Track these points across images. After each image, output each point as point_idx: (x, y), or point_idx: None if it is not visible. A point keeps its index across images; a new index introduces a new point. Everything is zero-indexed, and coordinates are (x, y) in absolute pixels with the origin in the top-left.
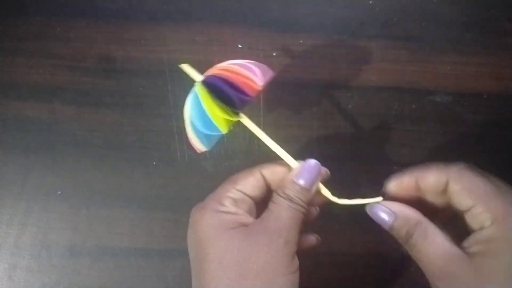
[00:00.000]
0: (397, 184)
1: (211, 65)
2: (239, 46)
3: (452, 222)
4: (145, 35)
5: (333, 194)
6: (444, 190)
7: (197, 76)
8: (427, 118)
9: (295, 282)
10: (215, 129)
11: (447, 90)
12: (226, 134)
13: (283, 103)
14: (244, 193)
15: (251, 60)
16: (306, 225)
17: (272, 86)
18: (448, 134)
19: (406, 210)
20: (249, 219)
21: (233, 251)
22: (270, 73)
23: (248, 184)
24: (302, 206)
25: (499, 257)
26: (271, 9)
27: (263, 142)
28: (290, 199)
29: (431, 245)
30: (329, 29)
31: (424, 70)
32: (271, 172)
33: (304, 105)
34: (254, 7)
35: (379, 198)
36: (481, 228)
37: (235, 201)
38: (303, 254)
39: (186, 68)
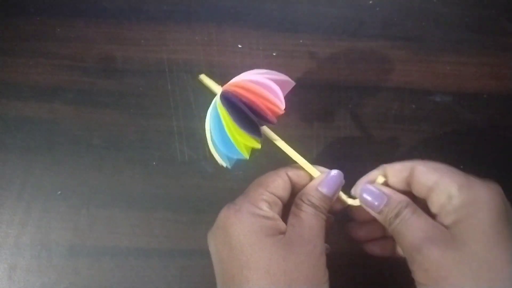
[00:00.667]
0: (365, 180)
1: (211, 65)
2: (239, 46)
3: None
4: (145, 35)
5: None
6: (407, 180)
7: (216, 87)
8: (427, 118)
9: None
10: (236, 152)
11: (447, 90)
12: (247, 159)
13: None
14: (276, 196)
15: (252, 60)
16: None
17: None
18: (448, 134)
19: (397, 194)
20: (283, 224)
21: (279, 260)
22: (291, 85)
23: (279, 186)
24: (324, 214)
25: (471, 220)
26: (271, 9)
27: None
28: (315, 206)
29: (417, 219)
30: (329, 29)
31: (424, 70)
32: (296, 175)
33: (304, 105)
34: (254, 7)
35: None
36: (450, 198)
37: (270, 204)
38: None
39: (204, 79)
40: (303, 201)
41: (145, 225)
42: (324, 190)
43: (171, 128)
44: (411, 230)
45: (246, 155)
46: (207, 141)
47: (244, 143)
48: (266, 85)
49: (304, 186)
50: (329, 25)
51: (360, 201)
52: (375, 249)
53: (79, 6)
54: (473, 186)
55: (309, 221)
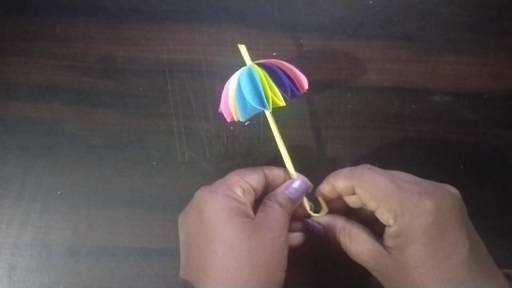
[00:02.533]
0: (320, 193)
1: (211, 65)
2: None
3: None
4: (145, 35)
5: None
6: (354, 193)
7: (249, 60)
8: (427, 118)
9: (284, 280)
10: (262, 103)
11: (447, 90)
12: (266, 112)
13: None
14: (251, 186)
15: (252, 60)
16: (297, 248)
17: None
18: (448, 134)
19: (332, 220)
20: (251, 212)
21: (244, 239)
22: (306, 84)
23: (255, 178)
24: (288, 214)
25: (408, 249)
26: (271, 9)
27: (263, 143)
28: (281, 205)
29: (358, 246)
30: (329, 29)
31: (424, 70)
32: (272, 173)
33: (304, 105)
34: (254, 7)
35: (326, 210)
36: (389, 226)
37: (244, 191)
38: (294, 251)
39: (243, 49)
40: (271, 200)
41: (145, 225)
42: (289, 193)
43: (171, 128)
44: (358, 257)
45: (269, 107)
46: (220, 103)
47: (273, 96)
48: (293, 67)
49: (277, 185)
50: (329, 25)
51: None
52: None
53: (79, 6)
54: (405, 214)
55: (275, 214)
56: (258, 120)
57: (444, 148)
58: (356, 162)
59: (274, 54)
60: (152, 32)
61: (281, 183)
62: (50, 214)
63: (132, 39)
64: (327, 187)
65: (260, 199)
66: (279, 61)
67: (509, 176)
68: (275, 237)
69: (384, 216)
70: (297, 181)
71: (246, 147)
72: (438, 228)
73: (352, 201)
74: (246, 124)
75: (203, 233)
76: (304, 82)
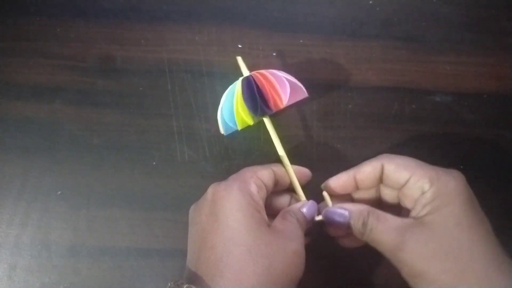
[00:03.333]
0: (335, 183)
1: (211, 65)
2: (239, 46)
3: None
4: (145, 35)
5: None
6: (379, 179)
7: (246, 71)
8: (427, 118)
9: None
10: (233, 122)
11: (447, 90)
12: (239, 130)
13: None
14: (263, 182)
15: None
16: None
17: None
18: (448, 134)
19: (356, 205)
20: (265, 213)
21: (261, 245)
22: (303, 94)
23: (266, 175)
24: (303, 230)
25: (444, 210)
26: (271, 9)
27: (263, 143)
28: (298, 221)
29: (386, 223)
30: (329, 29)
31: (424, 70)
32: (280, 171)
33: (304, 105)
34: (254, 7)
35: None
36: (423, 192)
37: (257, 187)
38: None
39: (240, 61)
40: (290, 215)
41: (145, 225)
42: (304, 211)
43: (171, 128)
44: (385, 234)
45: (238, 126)
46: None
47: (241, 115)
48: (280, 79)
49: (286, 183)
50: (329, 25)
51: (327, 223)
52: (351, 243)
53: (79, 6)
54: (441, 177)
55: (295, 228)
56: (258, 120)
57: (444, 148)
58: (356, 162)
59: (274, 54)
60: (152, 32)
61: (288, 182)
62: (50, 214)
63: (132, 39)
64: (344, 177)
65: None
66: (267, 73)
67: (509, 176)
68: (296, 248)
69: (418, 182)
70: (310, 203)
71: (246, 147)
72: (469, 191)
73: (366, 195)
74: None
75: (217, 230)
76: (283, 98)
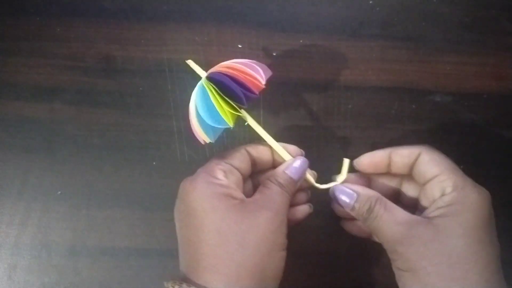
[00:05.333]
0: (370, 157)
1: (211, 65)
2: (239, 46)
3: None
4: (145, 35)
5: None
6: (410, 167)
7: (202, 72)
8: (427, 118)
9: (284, 259)
10: (222, 122)
11: (447, 90)
12: (231, 127)
13: (283, 103)
14: (232, 165)
15: (251, 59)
16: (301, 221)
17: (272, 86)
18: (448, 134)
19: (366, 189)
20: (238, 193)
21: (231, 223)
22: (269, 73)
23: (235, 158)
24: (289, 193)
25: (457, 217)
26: (271, 9)
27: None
28: (281, 186)
29: (392, 213)
30: (329, 29)
31: (424, 70)
32: (255, 150)
33: (304, 105)
34: (254, 7)
35: (344, 177)
36: (443, 195)
37: (225, 173)
38: (299, 224)
39: (192, 64)
40: (271, 181)
41: (145, 225)
42: (289, 173)
43: (171, 128)
44: (389, 225)
45: (230, 123)
46: (190, 124)
47: (228, 110)
48: (247, 64)
49: (265, 161)
50: (329, 25)
51: (334, 199)
52: (353, 228)
53: (79, 6)
54: (466, 187)
55: (273, 195)
56: (258, 121)
57: (444, 148)
58: None
59: (274, 54)
60: (152, 32)
61: (269, 159)
62: (50, 214)
63: (132, 39)
64: (380, 154)
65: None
66: (229, 64)
67: (509, 176)
68: (268, 217)
69: (442, 183)
70: (298, 160)
71: (248, 135)
72: (490, 213)
73: (391, 181)
74: (246, 124)
75: (190, 225)
76: (259, 78)
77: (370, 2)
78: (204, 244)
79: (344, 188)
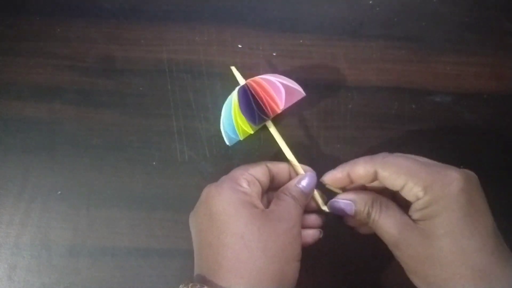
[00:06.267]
0: (330, 178)
1: (211, 65)
2: (239, 46)
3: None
4: (145, 35)
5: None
6: (374, 179)
7: (242, 80)
8: (427, 118)
9: (298, 270)
10: (235, 133)
11: (447, 90)
12: (241, 140)
13: None
14: (255, 177)
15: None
16: (309, 245)
17: None
18: (448, 134)
19: (361, 194)
20: (259, 202)
21: (254, 229)
22: (300, 95)
23: (258, 171)
24: (301, 206)
25: (435, 218)
26: (271, 9)
27: (263, 143)
28: (294, 198)
29: (386, 218)
30: (329, 29)
31: (424, 70)
32: (275, 167)
33: (304, 105)
34: (254, 7)
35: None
36: (416, 199)
37: (249, 183)
38: (308, 248)
39: (234, 70)
40: (284, 193)
41: (145, 225)
42: (301, 186)
43: (171, 128)
44: (384, 229)
45: (240, 136)
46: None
47: (241, 126)
48: (274, 85)
49: (283, 178)
50: (329, 25)
51: (335, 213)
52: (365, 230)
53: (79, 6)
54: (436, 183)
55: (288, 206)
56: (259, 128)
57: (444, 148)
58: None
59: (274, 54)
60: (152, 32)
61: (286, 176)
62: (50, 214)
63: (132, 39)
64: (339, 175)
65: (268, 196)
66: (261, 80)
67: (509, 176)
68: (287, 228)
69: (412, 190)
70: (308, 175)
71: (246, 147)
72: (467, 196)
73: (371, 185)
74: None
75: (212, 228)
76: (278, 103)
77: (370, 2)
78: (227, 248)
79: (339, 200)
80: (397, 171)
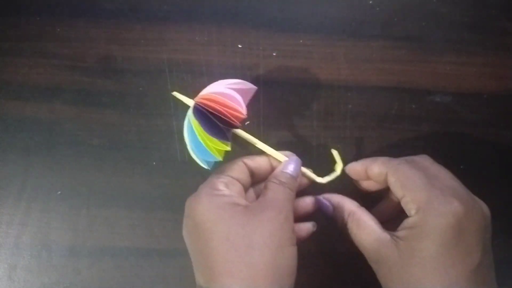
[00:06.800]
0: (350, 169)
1: (211, 65)
2: (239, 46)
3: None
4: (145, 35)
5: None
6: (386, 180)
7: (189, 101)
8: (427, 118)
9: (296, 254)
10: (211, 156)
11: (447, 90)
12: (221, 160)
13: (283, 103)
14: (232, 177)
15: (252, 60)
16: (304, 239)
17: (272, 86)
18: (448, 134)
19: (343, 201)
20: (241, 200)
21: (237, 228)
22: (253, 90)
23: (234, 170)
24: (291, 189)
25: (417, 242)
26: (271, 9)
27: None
28: (282, 183)
29: (363, 233)
30: (329, 29)
31: (424, 70)
32: (252, 161)
33: (304, 105)
34: (254, 7)
35: (341, 165)
36: (409, 216)
37: (226, 184)
38: (303, 241)
39: (177, 95)
40: (272, 181)
41: (145, 225)
42: (287, 170)
43: (171, 128)
44: (360, 243)
45: (219, 157)
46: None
47: (215, 147)
48: (228, 95)
49: (265, 170)
50: (329, 25)
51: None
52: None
53: (79, 6)
54: (430, 209)
55: (274, 195)
56: (258, 121)
57: (444, 148)
58: None
59: (274, 54)
60: (152, 32)
61: (267, 169)
62: (50, 214)
63: (132, 39)
64: (359, 167)
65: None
66: (211, 96)
67: (509, 176)
68: (272, 215)
69: (407, 205)
70: (292, 159)
71: (246, 147)
72: (456, 233)
73: (381, 186)
74: (246, 123)
75: (199, 237)
76: (240, 109)
77: (370, 2)
78: (215, 252)
79: (322, 200)
80: (402, 181)
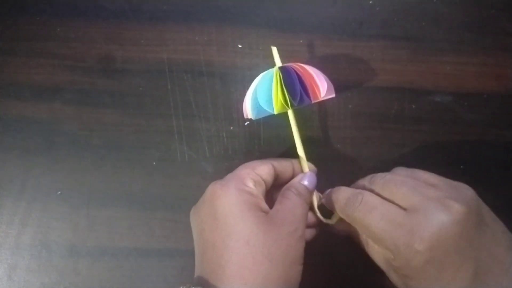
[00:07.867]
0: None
1: (211, 65)
2: (239, 46)
3: None
4: (145, 35)
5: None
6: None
7: (279, 62)
8: (427, 118)
9: (301, 273)
10: (270, 106)
11: (447, 90)
12: (274, 115)
13: None
14: (261, 177)
15: (252, 60)
16: (308, 242)
17: None
18: (448, 134)
19: (349, 228)
20: (264, 204)
21: (259, 234)
22: (332, 93)
23: (264, 170)
24: (307, 203)
25: (408, 281)
26: (271, 9)
27: (263, 142)
28: (300, 195)
29: (373, 252)
30: (329, 29)
31: (424, 70)
32: (280, 165)
33: (304, 105)
34: (254, 7)
35: (338, 216)
36: (391, 259)
37: (255, 183)
38: (307, 248)
39: (275, 51)
40: (290, 190)
41: (145, 225)
42: (305, 183)
43: (171, 128)
44: (372, 256)
45: (276, 110)
46: (244, 100)
47: (281, 101)
48: (319, 73)
49: (287, 177)
50: (329, 25)
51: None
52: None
53: (79, 6)
54: (401, 255)
55: (293, 207)
56: (258, 121)
57: (444, 148)
58: (356, 162)
59: None
60: (152, 32)
61: (290, 175)
62: (50, 214)
63: (132, 39)
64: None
65: (270, 192)
66: (305, 66)
67: (509, 176)
68: (290, 231)
69: (386, 254)
70: (310, 173)
71: (246, 147)
72: (435, 265)
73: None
74: (246, 124)
75: (217, 229)
76: (321, 90)
77: (370, 2)
78: (231, 252)
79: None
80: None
